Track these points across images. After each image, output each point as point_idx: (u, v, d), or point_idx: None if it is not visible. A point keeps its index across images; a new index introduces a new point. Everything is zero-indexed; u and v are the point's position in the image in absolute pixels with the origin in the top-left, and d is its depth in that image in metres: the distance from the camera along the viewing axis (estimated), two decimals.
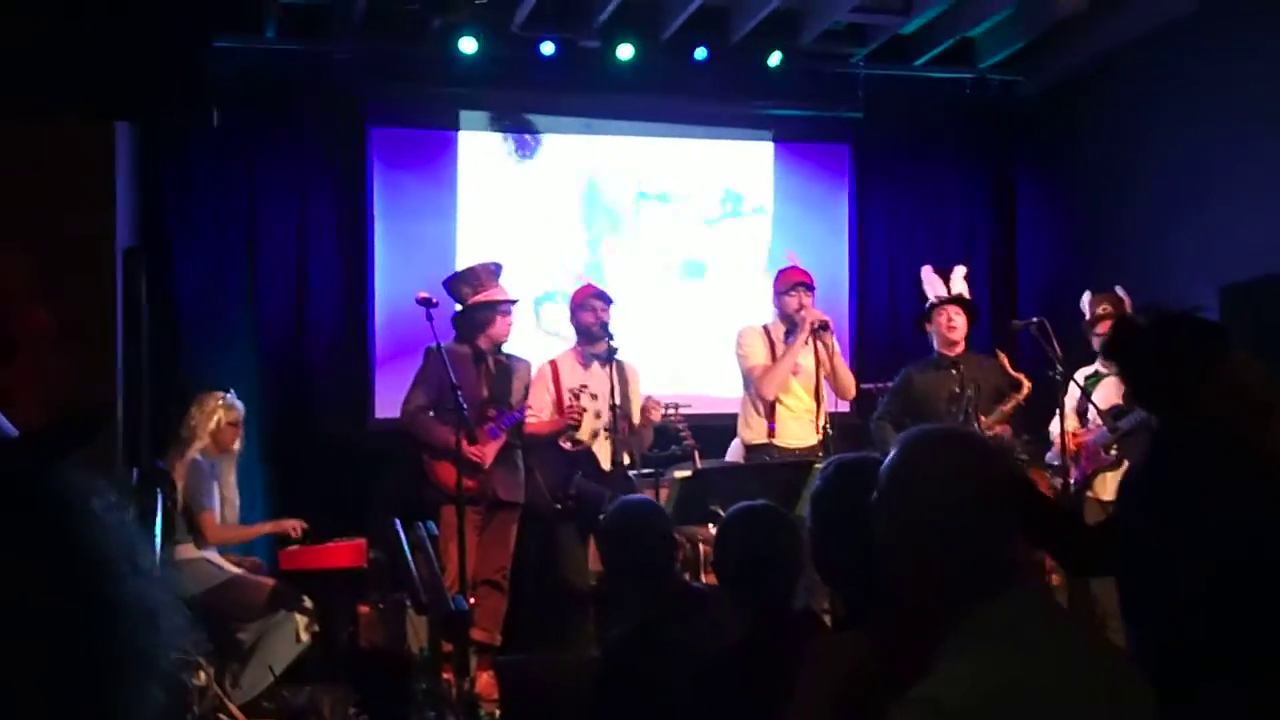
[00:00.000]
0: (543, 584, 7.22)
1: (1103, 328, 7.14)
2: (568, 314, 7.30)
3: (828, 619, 3.83)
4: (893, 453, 2.20)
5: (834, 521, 2.70)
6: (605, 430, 6.74)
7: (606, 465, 6.77)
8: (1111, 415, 7.00)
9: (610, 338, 6.90)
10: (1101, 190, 8.83)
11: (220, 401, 6.78)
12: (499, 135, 8.89)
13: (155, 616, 0.98)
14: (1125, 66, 8.47)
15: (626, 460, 6.95)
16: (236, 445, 6.90)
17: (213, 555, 6.64)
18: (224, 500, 6.81)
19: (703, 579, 6.53)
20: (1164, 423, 3.33)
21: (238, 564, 6.77)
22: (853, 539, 2.44)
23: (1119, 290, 7.23)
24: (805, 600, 3.69)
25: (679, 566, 5.49)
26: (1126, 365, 3.43)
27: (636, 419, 7.00)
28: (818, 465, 6.13)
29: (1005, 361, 7.26)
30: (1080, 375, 7.09)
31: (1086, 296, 7.30)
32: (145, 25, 3.81)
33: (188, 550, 6.51)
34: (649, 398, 6.99)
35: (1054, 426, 7.24)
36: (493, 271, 7.10)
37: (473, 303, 7.01)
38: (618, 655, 3.99)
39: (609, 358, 6.90)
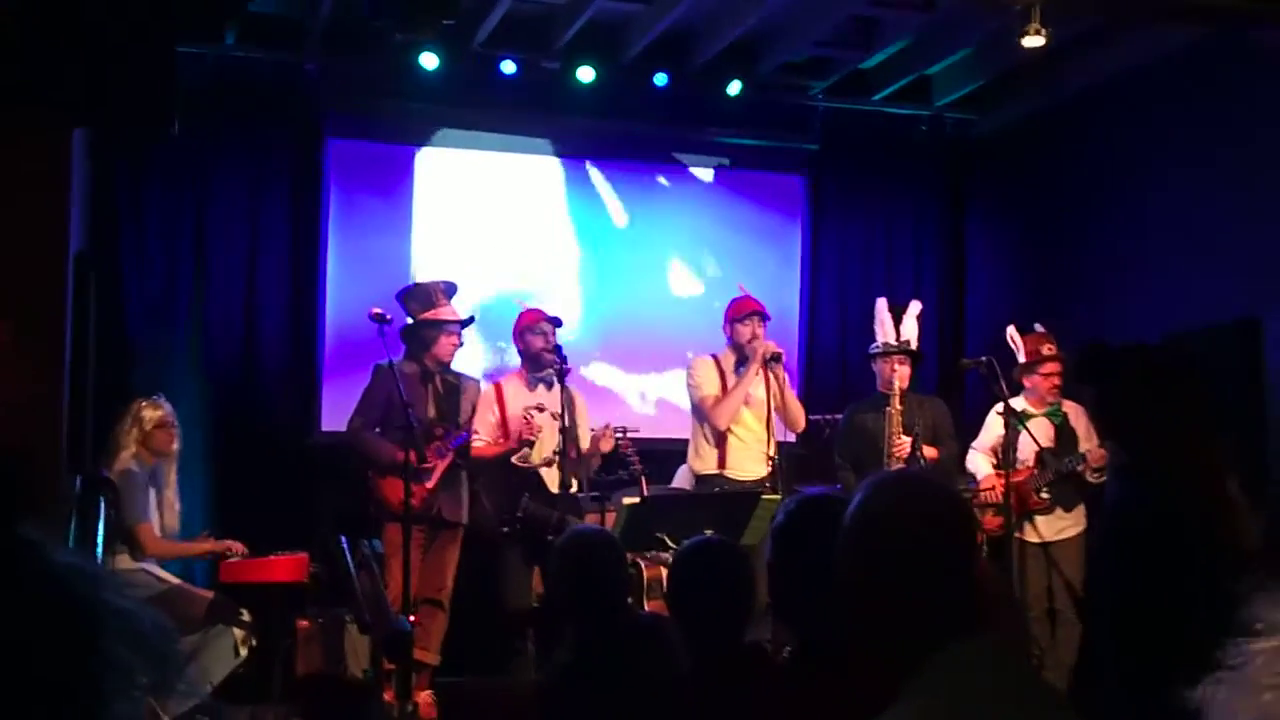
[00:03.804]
0: (485, 606, 7.18)
1: (1047, 367, 7.21)
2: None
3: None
4: (855, 498, 2.21)
5: (796, 557, 2.70)
6: (555, 453, 6.72)
7: (555, 488, 6.74)
8: (1044, 457, 7.07)
9: (563, 360, 6.86)
10: (1050, 232, 8.94)
11: (142, 405, 6.67)
12: (457, 151, 8.87)
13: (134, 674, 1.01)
14: (1079, 112, 8.59)
15: (574, 485, 6.93)
16: (174, 446, 6.78)
17: (150, 566, 6.57)
18: (165, 504, 6.72)
19: (645, 605, 6.52)
20: (1130, 455, 3.32)
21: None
22: (813, 575, 2.45)
23: (1039, 328, 7.32)
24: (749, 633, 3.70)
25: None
26: (1099, 391, 3.42)
27: (585, 445, 6.97)
28: (765, 496, 6.21)
29: (945, 409, 7.34)
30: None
31: (1012, 332, 7.34)
32: (111, 31, 3.78)
33: (124, 561, 6.43)
34: (607, 425, 6.93)
35: (976, 463, 7.30)
36: (444, 290, 7.08)
37: (419, 320, 6.99)
38: (559, 686, 3.98)
39: (557, 380, 6.85)
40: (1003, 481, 6.84)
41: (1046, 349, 7.22)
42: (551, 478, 6.76)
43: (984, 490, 7.23)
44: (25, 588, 0.98)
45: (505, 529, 6.65)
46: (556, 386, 6.87)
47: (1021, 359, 7.25)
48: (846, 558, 2.20)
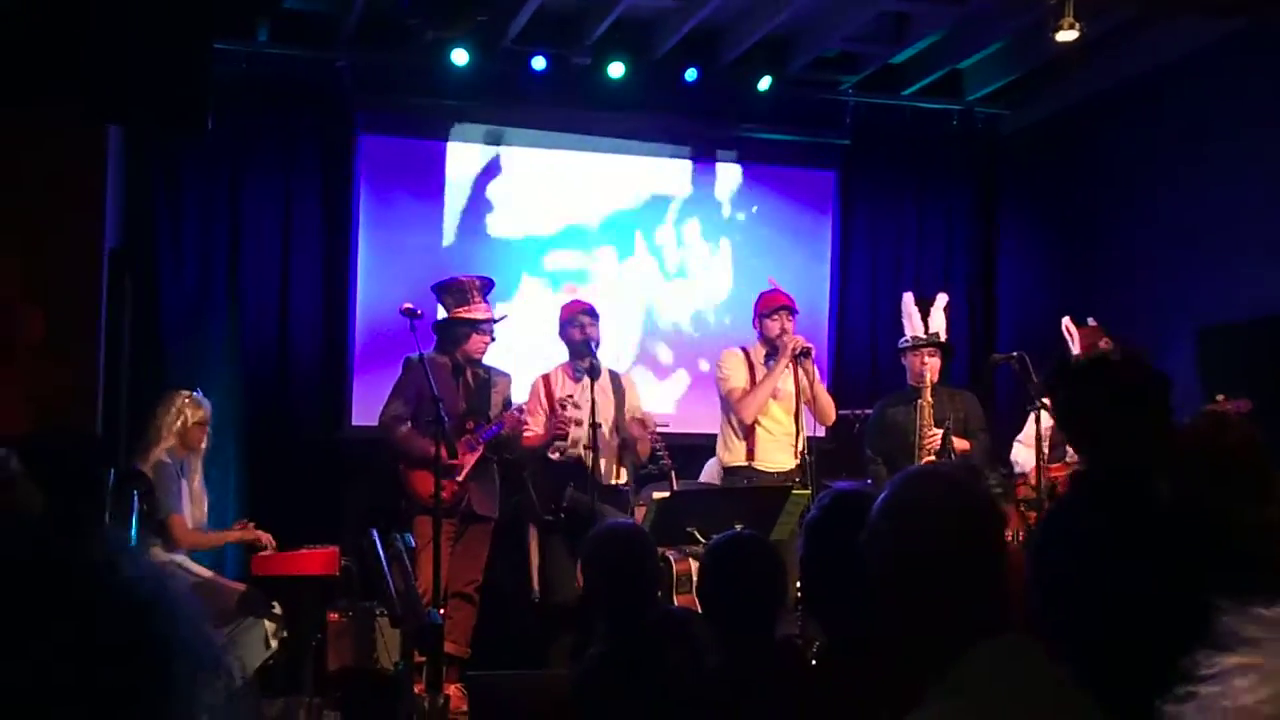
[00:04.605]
0: (517, 600, 7.20)
1: None
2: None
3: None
4: (884, 491, 2.21)
5: (828, 552, 2.71)
6: (585, 446, 6.74)
7: (604, 479, 6.78)
8: None
9: (595, 355, 6.88)
10: (1081, 227, 8.89)
11: (186, 400, 6.71)
12: (488, 148, 8.89)
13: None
14: (1111, 107, 8.54)
15: (624, 476, 6.96)
16: (204, 444, 6.84)
17: (182, 558, 6.60)
18: (193, 498, 6.76)
19: (675, 600, 6.53)
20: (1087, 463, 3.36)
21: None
22: (845, 571, 2.45)
23: (1091, 321, 7.27)
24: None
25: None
26: (1057, 399, 3.48)
27: (635, 430, 7.03)
28: (795, 491, 6.20)
29: (976, 402, 7.29)
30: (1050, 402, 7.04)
31: (1067, 323, 7.28)
32: (147, 28, 3.80)
33: (158, 554, 6.45)
34: (644, 425, 6.98)
35: (1019, 455, 7.24)
36: (480, 287, 7.08)
37: (453, 316, 7.00)
38: (592, 679, 3.99)
39: (594, 374, 6.87)
40: (1043, 474, 6.80)
41: (1104, 343, 7.18)
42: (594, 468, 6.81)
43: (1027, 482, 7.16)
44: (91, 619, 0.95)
45: (549, 518, 6.70)
46: (596, 379, 6.88)
47: (1076, 350, 7.20)
48: (874, 552, 2.20)
